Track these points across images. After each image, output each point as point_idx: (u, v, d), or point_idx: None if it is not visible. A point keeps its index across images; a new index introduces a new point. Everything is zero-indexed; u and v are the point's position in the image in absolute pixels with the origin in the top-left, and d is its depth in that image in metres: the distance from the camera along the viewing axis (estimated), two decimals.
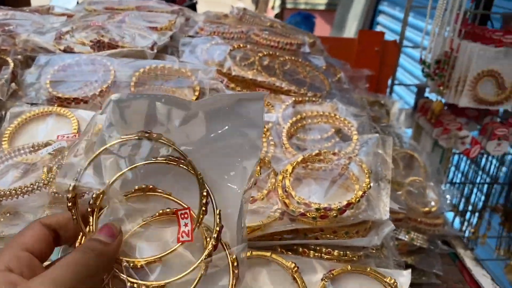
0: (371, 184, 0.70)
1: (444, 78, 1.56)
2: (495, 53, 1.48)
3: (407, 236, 1.17)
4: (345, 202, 0.67)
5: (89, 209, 0.47)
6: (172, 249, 0.46)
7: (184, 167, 0.49)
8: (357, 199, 0.68)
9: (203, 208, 0.47)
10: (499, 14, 1.69)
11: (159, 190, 0.50)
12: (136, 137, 0.49)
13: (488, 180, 1.84)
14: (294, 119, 0.90)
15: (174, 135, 0.50)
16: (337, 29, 5.24)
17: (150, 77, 0.96)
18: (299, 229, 0.69)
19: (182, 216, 0.48)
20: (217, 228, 0.46)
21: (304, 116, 0.90)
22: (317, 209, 0.67)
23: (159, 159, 0.49)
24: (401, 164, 1.25)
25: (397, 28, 3.20)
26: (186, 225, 0.47)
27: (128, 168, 0.48)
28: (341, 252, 0.67)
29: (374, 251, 0.70)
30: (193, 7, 3.66)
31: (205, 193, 0.47)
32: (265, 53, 1.10)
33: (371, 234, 0.70)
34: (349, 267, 0.64)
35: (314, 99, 0.99)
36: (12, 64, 0.92)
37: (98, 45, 1.02)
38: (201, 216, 0.47)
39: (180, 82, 0.97)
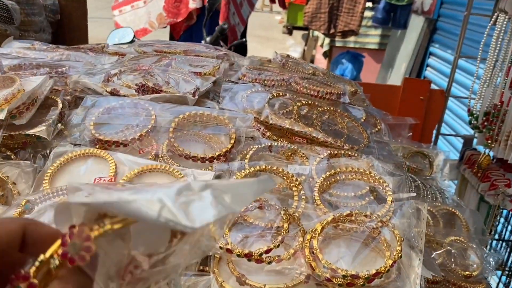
0: (402, 253, 0.68)
1: (493, 132, 1.50)
2: None
3: None
4: (373, 271, 0.65)
5: None
6: None
7: None
8: (387, 269, 0.65)
9: None
10: None
11: None
12: None
13: None
14: (328, 173, 0.88)
15: None
16: (386, 69, 5.20)
17: (189, 123, 0.98)
18: None
19: None
20: None
21: (338, 171, 0.89)
22: (344, 276, 0.64)
23: None
24: (442, 221, 1.19)
25: (448, 71, 3.12)
26: None
27: None
28: None
29: None
30: (243, 46, 3.76)
31: None
32: (303, 102, 1.10)
33: None
34: None
35: (350, 152, 0.97)
36: (60, 105, 0.98)
37: (143, 89, 1.07)
38: None
39: (218, 129, 0.98)
